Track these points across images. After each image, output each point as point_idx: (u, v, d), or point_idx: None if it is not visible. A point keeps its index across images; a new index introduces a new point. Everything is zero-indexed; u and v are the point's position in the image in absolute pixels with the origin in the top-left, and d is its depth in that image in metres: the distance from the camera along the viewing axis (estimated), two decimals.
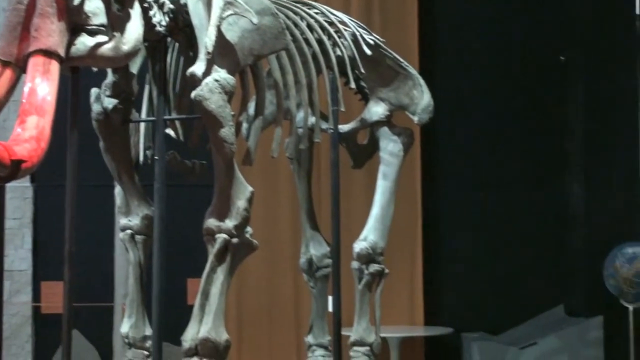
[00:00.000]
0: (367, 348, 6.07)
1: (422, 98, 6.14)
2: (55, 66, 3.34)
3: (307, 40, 5.40)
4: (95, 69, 4.25)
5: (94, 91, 4.58)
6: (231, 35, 4.31)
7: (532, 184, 9.28)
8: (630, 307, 6.71)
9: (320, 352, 6.80)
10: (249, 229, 4.39)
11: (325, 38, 5.61)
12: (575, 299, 9.07)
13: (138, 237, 4.83)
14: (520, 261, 9.21)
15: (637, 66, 7.67)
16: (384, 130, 6.16)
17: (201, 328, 4.23)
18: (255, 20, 4.37)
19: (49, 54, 3.33)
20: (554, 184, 9.23)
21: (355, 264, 6.01)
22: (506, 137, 9.32)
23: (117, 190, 4.87)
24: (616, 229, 8.13)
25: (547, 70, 9.38)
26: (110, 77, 4.59)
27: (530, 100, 9.35)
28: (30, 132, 3.12)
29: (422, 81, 6.19)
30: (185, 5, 4.33)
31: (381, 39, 6.09)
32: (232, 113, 4.24)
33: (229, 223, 4.28)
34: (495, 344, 8.60)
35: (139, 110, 4.84)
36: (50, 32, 3.36)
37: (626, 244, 6.66)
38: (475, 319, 9.10)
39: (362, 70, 5.84)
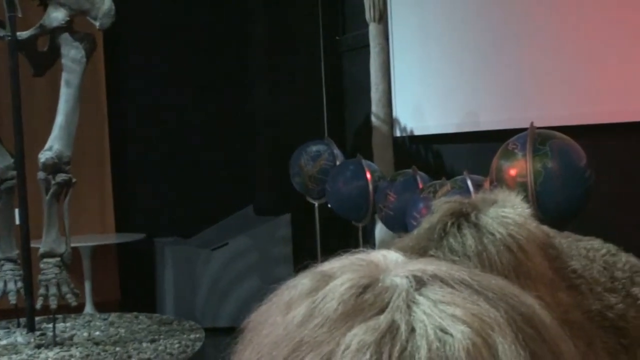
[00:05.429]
0: (58, 259, 5.99)
1: (103, 2, 6.03)
2: None
3: None
4: None
5: None
6: None
7: (219, 86, 9.36)
8: (316, 203, 6.97)
9: (9, 266, 6.65)
10: None
11: None
12: (263, 199, 9.30)
13: None
14: (210, 165, 9.32)
15: None
16: (65, 37, 6.01)
17: None
18: None
19: None
20: (240, 87, 9.35)
21: (41, 175, 5.87)
22: (189, 40, 9.32)
23: None
24: (300, 129, 8.37)
25: None
26: None
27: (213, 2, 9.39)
28: None
29: None
30: None
31: None
32: None
33: None
34: (188, 247, 8.71)
35: None
36: None
37: (310, 142, 6.88)
38: (167, 225, 9.15)
39: None
